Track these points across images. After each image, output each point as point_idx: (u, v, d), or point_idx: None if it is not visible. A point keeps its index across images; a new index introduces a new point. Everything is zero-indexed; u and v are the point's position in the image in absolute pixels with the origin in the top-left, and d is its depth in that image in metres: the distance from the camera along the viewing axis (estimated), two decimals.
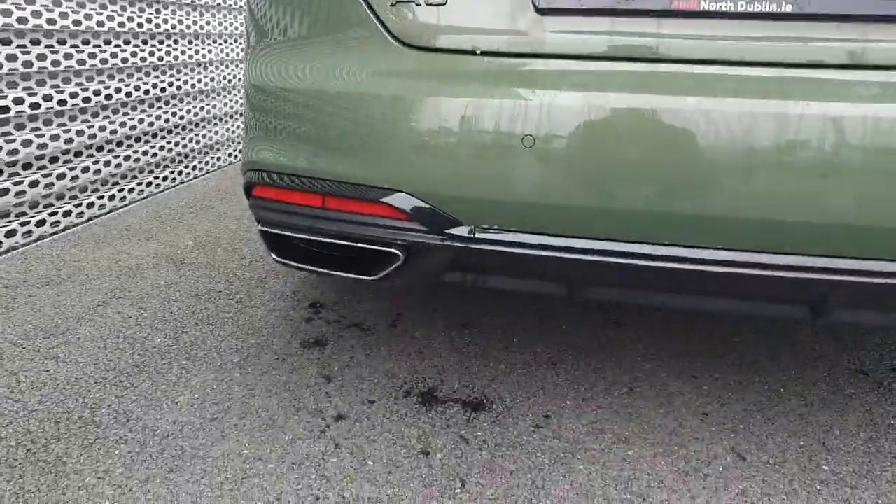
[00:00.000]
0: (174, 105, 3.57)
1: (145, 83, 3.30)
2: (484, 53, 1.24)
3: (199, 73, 3.79)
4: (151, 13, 3.30)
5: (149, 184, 3.40)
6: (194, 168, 3.82)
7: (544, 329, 1.98)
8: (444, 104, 1.23)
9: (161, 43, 3.40)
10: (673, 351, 1.87)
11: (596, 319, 2.06)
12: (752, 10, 1.14)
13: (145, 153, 3.36)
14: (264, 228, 1.44)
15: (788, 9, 1.13)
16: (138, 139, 3.30)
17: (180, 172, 3.68)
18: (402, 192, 1.26)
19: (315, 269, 1.44)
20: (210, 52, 3.86)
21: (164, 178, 3.54)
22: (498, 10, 1.23)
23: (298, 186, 1.35)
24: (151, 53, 3.32)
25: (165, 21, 3.40)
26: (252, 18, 1.46)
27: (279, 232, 1.41)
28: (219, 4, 3.93)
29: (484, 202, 1.24)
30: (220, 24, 3.95)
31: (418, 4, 1.26)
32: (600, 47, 1.19)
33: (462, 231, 1.26)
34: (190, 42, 3.67)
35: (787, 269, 1.16)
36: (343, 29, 1.31)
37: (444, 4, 1.25)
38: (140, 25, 3.21)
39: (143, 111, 3.31)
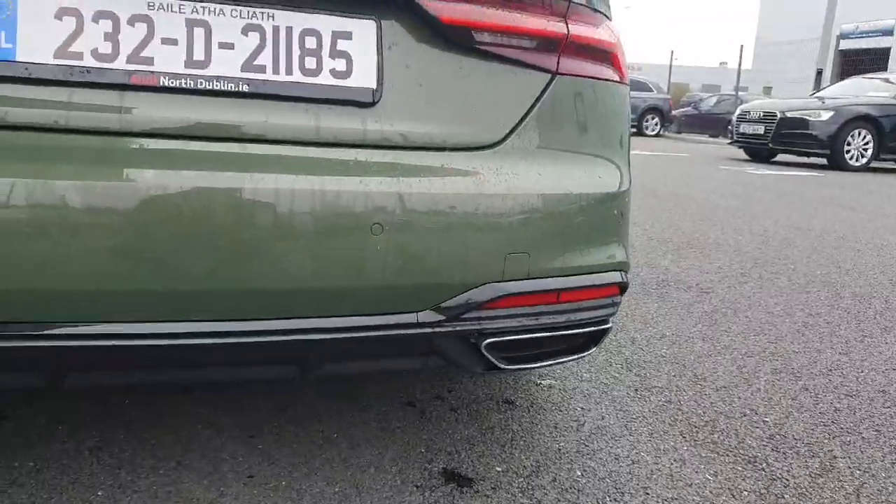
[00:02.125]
0: None
1: None
2: None
3: None
4: None
5: None
6: None
7: (101, 409, 1.82)
8: None
9: None
10: (235, 411, 1.86)
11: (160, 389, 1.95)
12: (212, 88, 1.19)
13: None
14: None
15: (245, 88, 1.20)
16: None
17: None
18: None
19: None
20: None
21: None
22: None
23: None
24: None
25: None
26: None
27: None
28: None
29: None
30: None
31: None
32: (57, 118, 1.12)
33: None
34: None
35: (270, 333, 1.22)
36: None
37: None
38: None
39: None
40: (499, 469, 1.71)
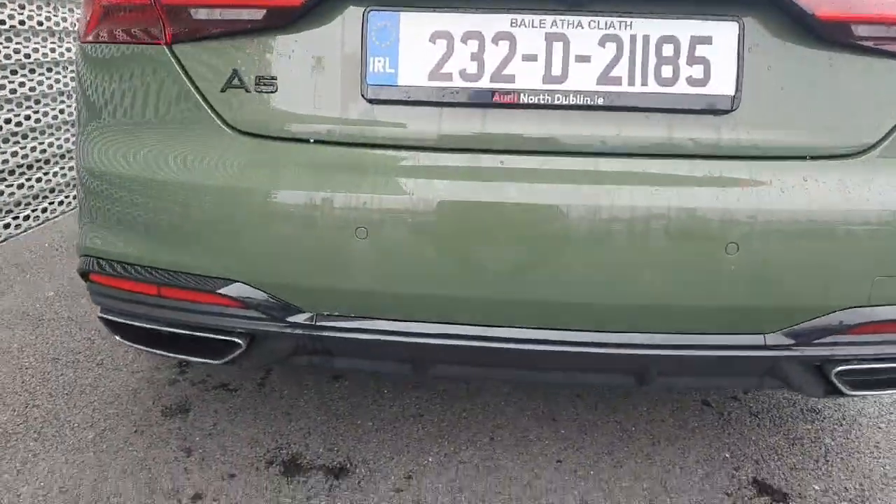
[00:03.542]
0: (34, 139, 3.36)
1: None
2: (317, 142, 1.24)
3: (63, 102, 3.59)
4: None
5: (6, 226, 3.18)
6: (60, 204, 3.61)
7: (414, 377, 2.01)
8: (277, 194, 1.22)
9: (14, 73, 3.18)
10: (535, 392, 1.95)
11: None
12: (568, 103, 1.20)
13: (0, 193, 3.15)
14: (102, 315, 1.39)
15: (600, 101, 1.20)
16: None
17: (45, 210, 3.47)
18: (238, 281, 1.25)
19: (160, 352, 1.41)
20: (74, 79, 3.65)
21: (27, 218, 3.33)
22: (329, 99, 1.24)
23: (133, 276, 1.31)
24: (2, 87, 3.10)
25: (17, 51, 3.19)
26: (81, 94, 1.40)
27: (117, 320, 1.36)
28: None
29: (322, 291, 1.24)
30: None
31: (248, 91, 1.25)
32: (429, 137, 1.22)
33: (303, 318, 1.26)
34: (50, 70, 3.46)
35: (613, 346, 1.24)
36: (173, 114, 1.28)
37: (275, 92, 1.24)
38: None
39: None
40: (816, 488, 1.59)
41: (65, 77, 3.58)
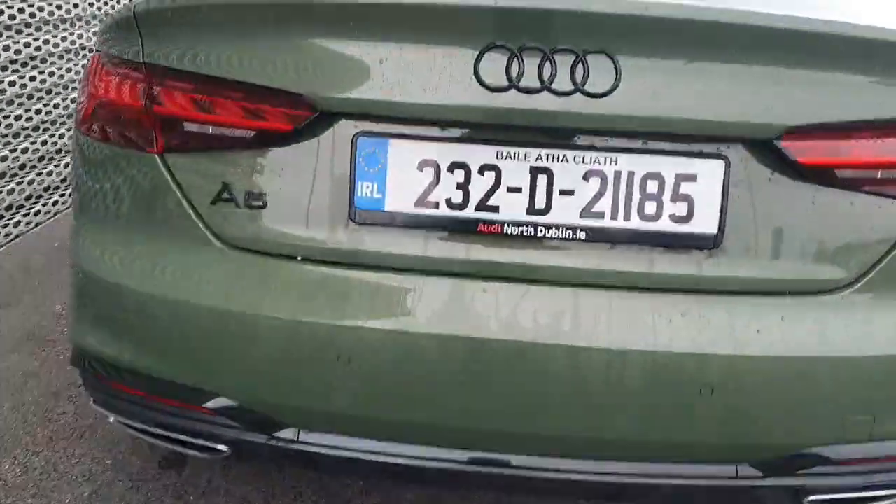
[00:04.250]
0: (44, 131, 3.39)
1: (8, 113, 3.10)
2: (304, 260, 1.25)
3: (73, 91, 3.59)
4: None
5: (17, 223, 3.23)
6: (71, 195, 3.65)
7: None
8: (261, 313, 1.23)
9: (24, 66, 3.19)
10: None
11: None
12: (550, 235, 1.21)
13: (10, 191, 3.18)
14: (95, 406, 1.44)
15: (582, 235, 1.21)
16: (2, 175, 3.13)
17: (55, 203, 3.51)
18: (222, 396, 1.28)
19: (156, 441, 1.45)
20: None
21: (37, 213, 3.37)
22: (317, 218, 1.24)
23: (121, 379, 1.35)
24: (12, 83, 3.11)
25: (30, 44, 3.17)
26: (75, 180, 1.42)
27: (107, 414, 1.41)
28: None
29: (304, 410, 1.28)
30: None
31: (238, 206, 1.26)
32: (414, 262, 1.23)
33: (286, 433, 1.30)
34: (61, 58, 3.46)
35: (587, 472, 1.27)
36: (162, 222, 1.29)
37: (264, 208, 1.25)
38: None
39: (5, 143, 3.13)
40: None
41: (76, 66, 3.58)
